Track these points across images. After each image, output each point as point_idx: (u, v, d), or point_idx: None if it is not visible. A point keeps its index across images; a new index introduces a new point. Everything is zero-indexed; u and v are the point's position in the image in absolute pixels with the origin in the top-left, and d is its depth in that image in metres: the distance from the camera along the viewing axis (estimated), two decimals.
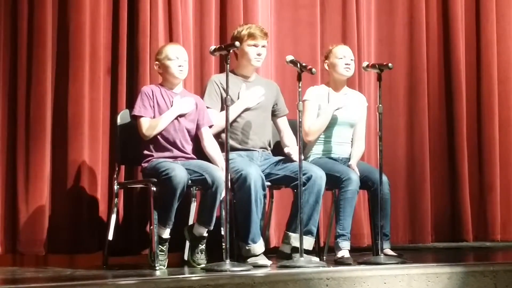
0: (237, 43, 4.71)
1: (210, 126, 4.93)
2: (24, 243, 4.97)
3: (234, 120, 4.97)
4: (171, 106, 4.81)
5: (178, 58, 4.84)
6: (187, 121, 4.84)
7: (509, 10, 6.97)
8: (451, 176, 6.68)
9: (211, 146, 4.89)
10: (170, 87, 4.88)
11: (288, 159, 4.98)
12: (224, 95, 4.71)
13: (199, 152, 4.90)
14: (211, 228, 4.75)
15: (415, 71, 6.62)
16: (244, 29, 5.06)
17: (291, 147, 4.99)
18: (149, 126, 4.75)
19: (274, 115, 5.20)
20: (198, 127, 4.90)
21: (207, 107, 4.95)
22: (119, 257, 5.07)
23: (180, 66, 4.84)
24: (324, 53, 5.48)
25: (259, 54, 5.05)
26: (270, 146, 5.15)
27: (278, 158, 5.05)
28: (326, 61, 5.37)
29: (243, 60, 5.08)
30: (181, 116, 4.82)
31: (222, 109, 4.91)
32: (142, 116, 4.76)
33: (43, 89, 5.05)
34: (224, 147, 4.55)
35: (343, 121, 5.29)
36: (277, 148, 5.21)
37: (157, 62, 4.89)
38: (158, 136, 4.77)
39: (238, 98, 5.01)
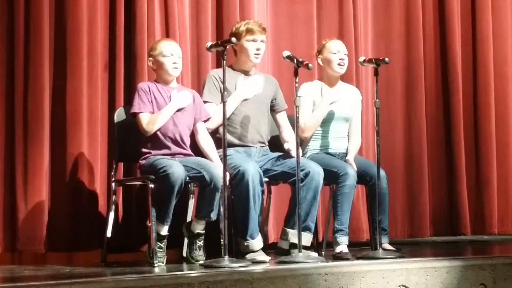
0: (233, 39, 4.70)
1: (207, 120, 4.92)
2: (23, 241, 4.96)
3: (233, 113, 4.96)
4: (169, 100, 4.80)
5: (173, 55, 4.83)
6: (185, 116, 4.83)
7: (504, 4, 6.96)
8: (449, 170, 6.68)
9: (205, 142, 4.88)
10: (165, 83, 4.88)
11: (286, 155, 4.98)
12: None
13: (197, 148, 4.89)
14: (214, 218, 4.74)
15: (412, 66, 6.61)
16: (242, 25, 5.06)
17: (291, 143, 4.98)
18: (149, 121, 4.74)
19: (273, 110, 5.20)
20: (194, 122, 4.89)
21: (208, 102, 4.95)
22: (118, 254, 5.06)
23: (174, 63, 4.83)
24: (317, 47, 5.48)
25: (258, 49, 5.04)
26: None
27: (276, 154, 5.05)
28: (320, 56, 5.36)
29: (242, 56, 5.08)
30: (179, 110, 4.81)
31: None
32: (141, 112, 4.75)
33: (41, 86, 5.04)
34: (222, 143, 4.55)
35: (339, 116, 5.29)
36: (275, 143, 5.21)
37: (151, 58, 4.87)
38: (158, 133, 4.76)
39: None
